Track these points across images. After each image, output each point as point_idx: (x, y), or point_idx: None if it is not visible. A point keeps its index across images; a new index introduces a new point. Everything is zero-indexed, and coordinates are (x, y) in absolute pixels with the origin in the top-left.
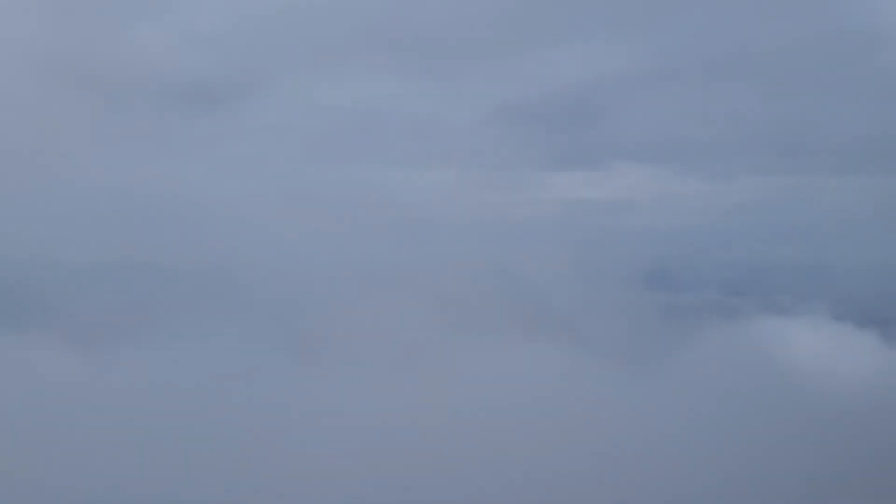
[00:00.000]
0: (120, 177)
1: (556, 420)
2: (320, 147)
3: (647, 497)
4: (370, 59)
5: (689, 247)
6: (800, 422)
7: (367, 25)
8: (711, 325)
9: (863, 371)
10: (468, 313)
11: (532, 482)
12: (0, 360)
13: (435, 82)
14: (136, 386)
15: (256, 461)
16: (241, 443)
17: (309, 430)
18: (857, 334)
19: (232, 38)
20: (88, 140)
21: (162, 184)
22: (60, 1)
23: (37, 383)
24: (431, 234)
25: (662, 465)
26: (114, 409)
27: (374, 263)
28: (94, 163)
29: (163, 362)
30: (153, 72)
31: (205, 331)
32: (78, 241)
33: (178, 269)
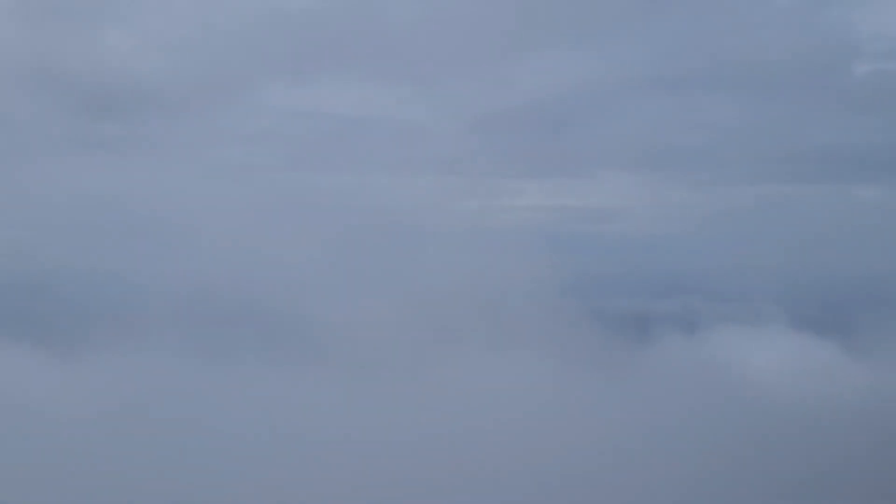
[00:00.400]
0: (92, 182)
1: (525, 428)
2: (299, 153)
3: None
4: (351, 67)
5: (668, 254)
6: (761, 428)
7: (349, 33)
8: (682, 332)
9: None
10: (447, 320)
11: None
12: None
13: (419, 90)
14: (114, 393)
15: (235, 466)
16: (219, 449)
17: (289, 437)
18: (818, 343)
19: (206, 45)
20: (59, 145)
21: (138, 189)
22: (29, 5)
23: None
24: (413, 241)
25: (622, 472)
26: (91, 416)
27: (355, 269)
28: (65, 167)
29: (139, 370)
30: (125, 77)
31: (185, 339)
32: (50, 248)
33: (157, 277)
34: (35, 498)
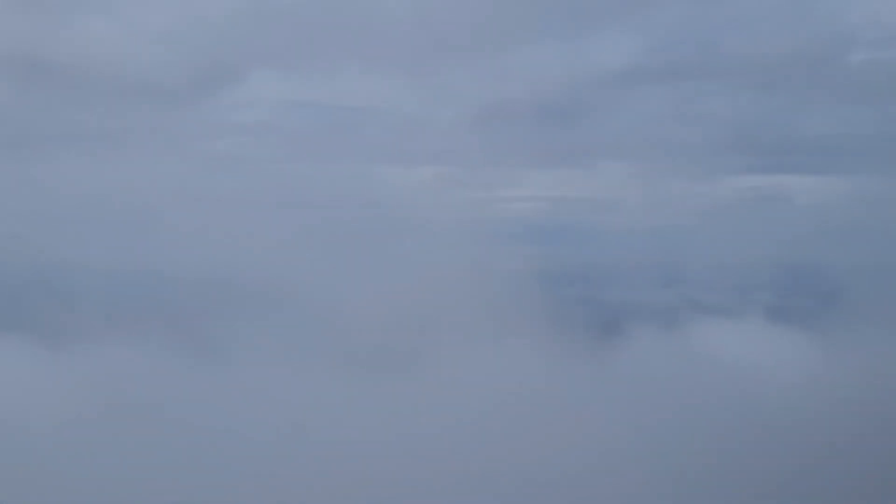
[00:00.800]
0: (87, 175)
1: (510, 417)
2: (295, 144)
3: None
4: (347, 58)
5: (666, 245)
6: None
7: (344, 24)
8: (672, 323)
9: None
10: (441, 311)
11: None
12: None
13: (416, 81)
14: (103, 386)
15: (227, 459)
16: (212, 442)
17: (284, 431)
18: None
19: (195, 35)
20: (46, 136)
21: (129, 181)
22: None
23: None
24: (410, 232)
25: (600, 462)
26: (78, 408)
27: (351, 261)
28: (54, 159)
29: (129, 362)
30: (110, 67)
31: (177, 331)
32: (39, 240)
33: (150, 269)
34: (21, 491)
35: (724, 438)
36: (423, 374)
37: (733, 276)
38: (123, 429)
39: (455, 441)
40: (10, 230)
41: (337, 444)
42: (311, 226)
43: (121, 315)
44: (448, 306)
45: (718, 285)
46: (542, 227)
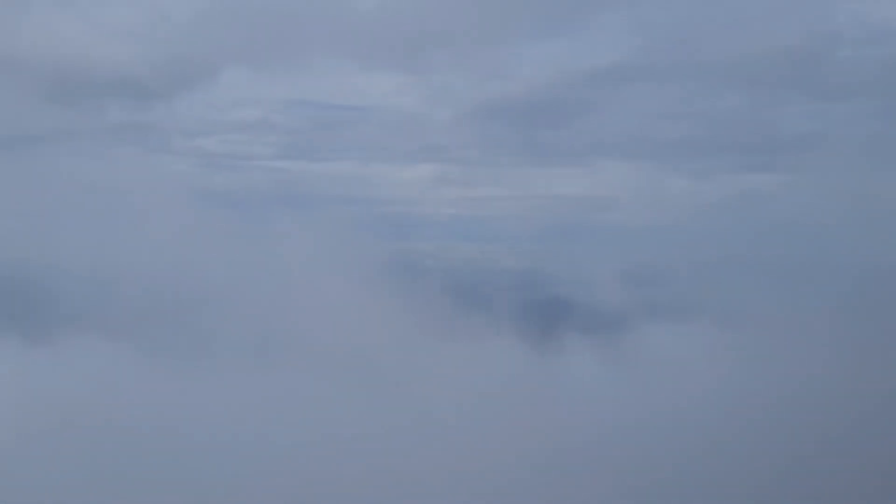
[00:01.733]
0: (66, 172)
1: (477, 418)
2: (291, 142)
3: None
4: (344, 56)
5: (663, 244)
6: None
7: (341, 20)
8: (654, 323)
9: None
10: (431, 312)
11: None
12: None
13: (413, 79)
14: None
15: (201, 467)
16: (185, 449)
17: (270, 434)
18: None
19: (167, 31)
20: (25, 135)
21: (109, 179)
22: None
23: None
24: (406, 230)
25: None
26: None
27: (352, 259)
28: (37, 157)
29: (103, 365)
30: (77, 64)
31: (157, 336)
32: (15, 239)
33: (127, 271)
34: None
35: (693, 441)
36: (400, 374)
37: (719, 275)
38: (87, 432)
39: (425, 439)
40: None
41: (306, 447)
42: (304, 225)
43: (98, 316)
44: (437, 306)
45: (703, 285)
46: (535, 226)
